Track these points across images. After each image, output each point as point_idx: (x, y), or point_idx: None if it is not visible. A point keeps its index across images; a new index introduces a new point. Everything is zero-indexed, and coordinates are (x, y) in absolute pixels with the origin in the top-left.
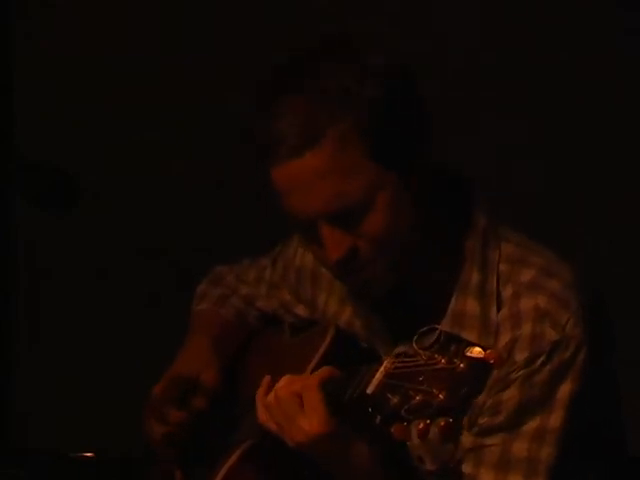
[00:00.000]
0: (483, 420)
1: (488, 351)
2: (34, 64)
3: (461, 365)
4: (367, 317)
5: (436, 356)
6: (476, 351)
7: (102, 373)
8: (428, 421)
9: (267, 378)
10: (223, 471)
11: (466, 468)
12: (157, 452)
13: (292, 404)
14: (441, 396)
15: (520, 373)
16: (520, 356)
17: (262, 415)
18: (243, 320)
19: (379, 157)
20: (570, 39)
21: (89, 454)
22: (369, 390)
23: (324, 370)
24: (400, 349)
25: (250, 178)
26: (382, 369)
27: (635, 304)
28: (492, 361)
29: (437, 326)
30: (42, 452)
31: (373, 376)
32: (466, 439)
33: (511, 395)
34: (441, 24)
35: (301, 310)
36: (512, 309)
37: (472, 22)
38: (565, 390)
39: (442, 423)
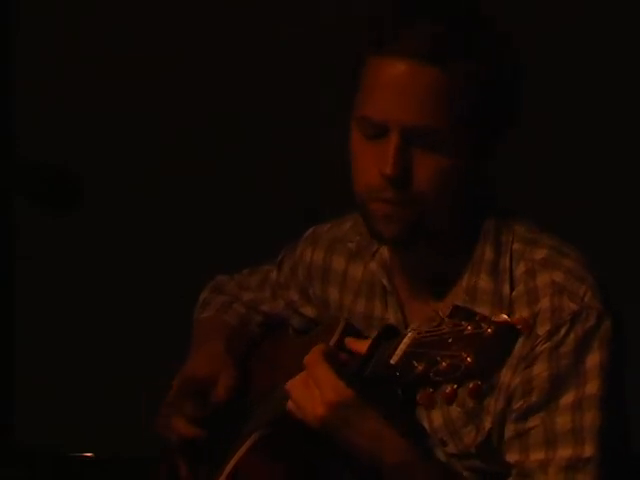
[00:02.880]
0: (518, 403)
1: (516, 317)
2: (34, 64)
3: (489, 330)
4: (382, 307)
5: (463, 323)
6: (503, 317)
7: (102, 373)
8: (455, 385)
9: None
10: (232, 462)
11: (512, 456)
12: (169, 447)
13: (306, 380)
14: (469, 359)
15: (545, 346)
16: (542, 329)
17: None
18: (246, 327)
19: (480, 113)
20: (570, 39)
21: (89, 454)
22: (392, 360)
23: (320, 345)
24: (414, 326)
25: (252, 178)
26: (406, 339)
27: (635, 304)
28: (520, 326)
29: (459, 303)
30: (42, 452)
31: (397, 347)
32: (506, 427)
33: (540, 370)
34: None
35: (309, 311)
36: (528, 285)
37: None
38: (594, 360)
39: (471, 385)
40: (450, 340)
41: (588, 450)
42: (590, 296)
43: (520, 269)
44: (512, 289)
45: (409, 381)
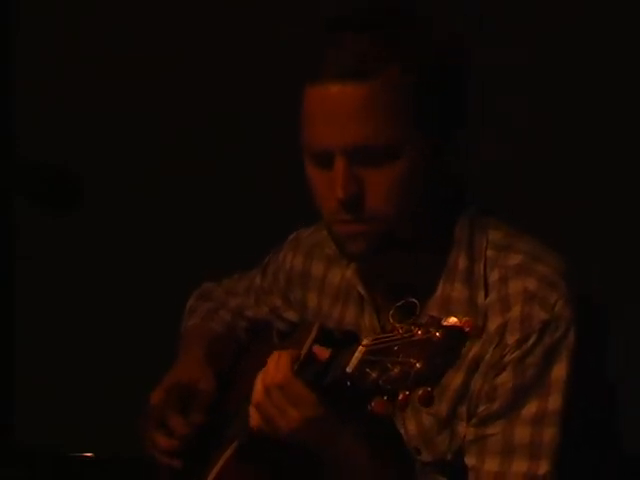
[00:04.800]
0: (481, 408)
1: (464, 319)
2: (34, 64)
3: (437, 334)
4: (357, 313)
5: (412, 328)
6: (452, 320)
7: (102, 373)
8: (407, 392)
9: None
10: (214, 472)
11: (470, 460)
12: (155, 459)
13: (279, 395)
14: (418, 365)
15: (513, 355)
16: (511, 338)
17: (255, 419)
18: (232, 333)
19: (417, 117)
20: (570, 39)
21: (89, 454)
22: (349, 369)
23: (286, 355)
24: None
25: (252, 178)
26: (361, 347)
27: (635, 304)
28: (467, 329)
29: (413, 300)
30: (42, 452)
31: (352, 355)
32: (467, 431)
33: (505, 379)
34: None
35: (291, 315)
36: (501, 293)
37: (471, 22)
38: (559, 372)
39: (420, 392)
40: (400, 347)
41: (543, 467)
42: (561, 304)
43: (494, 276)
44: (486, 297)
45: (364, 389)
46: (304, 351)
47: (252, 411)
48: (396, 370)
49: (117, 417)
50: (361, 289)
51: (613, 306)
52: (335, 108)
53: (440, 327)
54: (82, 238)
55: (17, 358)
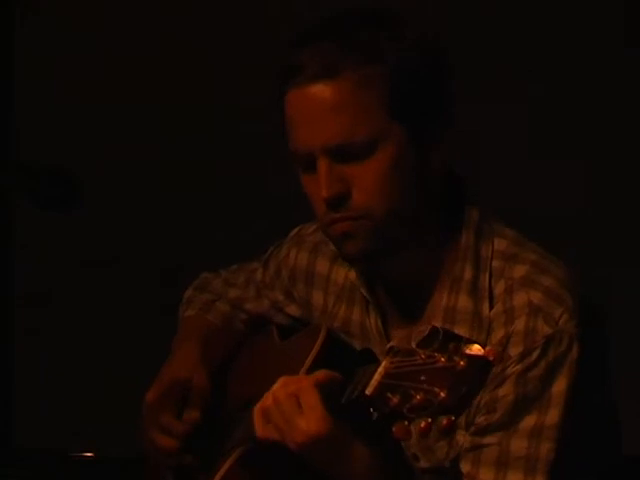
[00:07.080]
0: (480, 419)
1: (487, 348)
2: (34, 64)
3: (461, 363)
4: (362, 314)
5: (435, 355)
6: (475, 348)
7: (102, 373)
8: (430, 420)
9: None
10: (218, 478)
11: (465, 467)
12: (153, 459)
13: (290, 405)
14: (442, 394)
15: (515, 368)
16: (514, 351)
17: (259, 425)
18: (230, 324)
19: (393, 111)
20: (571, 38)
21: (89, 454)
22: (368, 391)
23: (321, 373)
24: (392, 343)
25: (252, 178)
26: (381, 370)
27: (635, 304)
28: (491, 358)
29: (436, 325)
30: (42, 452)
31: (372, 377)
32: (464, 438)
33: (507, 391)
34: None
35: (293, 310)
36: (505, 305)
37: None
38: (560, 386)
39: (444, 422)
40: (424, 373)
41: None
42: (565, 319)
43: (499, 288)
44: (491, 308)
45: (384, 413)
46: (309, 361)
47: (257, 419)
48: (419, 397)
49: (117, 417)
50: (364, 291)
51: (613, 306)
52: (311, 109)
53: (464, 356)
54: (82, 238)
55: (17, 358)
